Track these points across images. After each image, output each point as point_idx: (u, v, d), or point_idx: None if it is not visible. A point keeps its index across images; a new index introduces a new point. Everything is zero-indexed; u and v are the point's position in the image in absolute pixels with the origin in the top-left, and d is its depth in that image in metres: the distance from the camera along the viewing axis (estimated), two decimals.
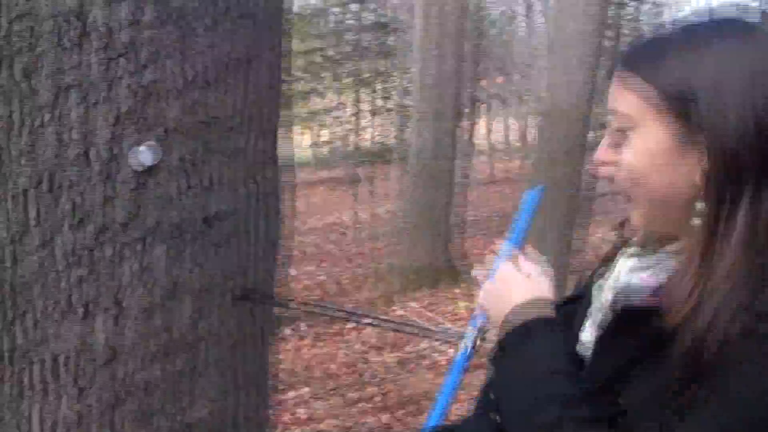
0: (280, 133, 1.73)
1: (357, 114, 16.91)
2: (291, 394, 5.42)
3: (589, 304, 1.08)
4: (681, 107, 0.86)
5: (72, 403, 1.44)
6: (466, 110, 8.64)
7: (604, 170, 0.96)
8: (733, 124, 0.84)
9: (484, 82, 15.72)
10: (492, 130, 19.48)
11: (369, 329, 7.16)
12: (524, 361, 0.99)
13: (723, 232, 0.85)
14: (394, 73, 15.23)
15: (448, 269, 8.65)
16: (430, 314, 7.42)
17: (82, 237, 1.41)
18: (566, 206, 6.57)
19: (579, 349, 1.03)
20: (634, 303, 0.93)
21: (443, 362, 5.93)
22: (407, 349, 6.40)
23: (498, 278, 1.09)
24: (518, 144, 20.31)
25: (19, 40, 1.37)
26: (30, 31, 1.36)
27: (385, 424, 4.77)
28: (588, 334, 1.04)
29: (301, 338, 6.87)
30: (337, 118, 17.03)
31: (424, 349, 6.36)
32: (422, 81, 8.51)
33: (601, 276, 1.08)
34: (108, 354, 1.44)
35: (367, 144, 16.12)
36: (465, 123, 8.52)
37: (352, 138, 17.11)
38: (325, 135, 20.52)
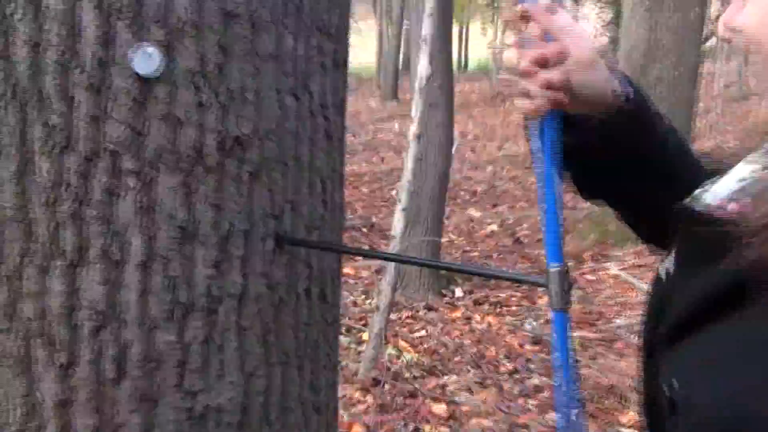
0: None
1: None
2: (433, 382, 5.51)
3: None
4: None
5: (56, 379, 1.54)
6: None
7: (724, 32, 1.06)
8: None
9: None
10: None
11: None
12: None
13: None
14: None
15: None
16: (632, 280, 7.27)
17: (68, 163, 1.48)
18: None
19: None
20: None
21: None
22: (598, 326, 6.33)
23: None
24: None
25: None
26: None
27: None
28: None
29: (454, 307, 6.96)
30: None
31: (618, 327, 6.26)
32: None
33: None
34: (100, 317, 1.52)
35: None
36: (698, 11, 8.09)
37: None
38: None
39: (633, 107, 1.32)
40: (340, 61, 1.77)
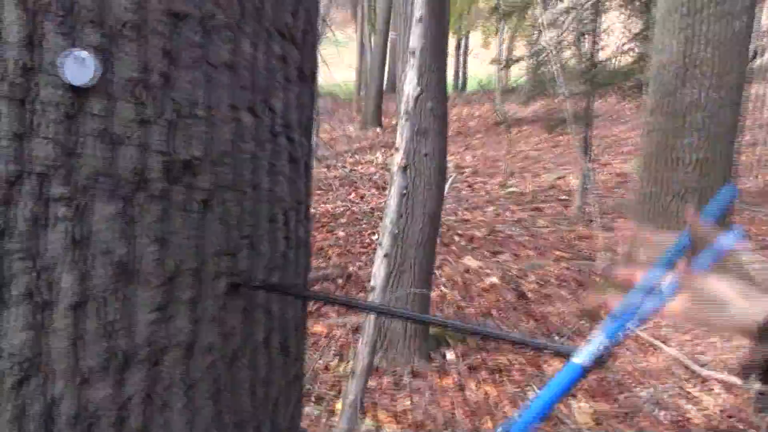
0: None
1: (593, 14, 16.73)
2: None
3: None
4: None
5: None
6: None
7: None
8: None
9: None
10: None
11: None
12: None
13: None
14: None
15: None
16: (656, 342, 7.27)
17: None
18: None
19: None
20: None
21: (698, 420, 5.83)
22: (617, 397, 6.33)
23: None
24: None
25: None
26: None
27: None
28: None
29: (444, 373, 6.95)
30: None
31: (642, 400, 6.26)
32: None
33: None
34: (23, 368, 1.55)
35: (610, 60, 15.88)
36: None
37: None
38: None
39: None
40: (307, 72, 1.81)
